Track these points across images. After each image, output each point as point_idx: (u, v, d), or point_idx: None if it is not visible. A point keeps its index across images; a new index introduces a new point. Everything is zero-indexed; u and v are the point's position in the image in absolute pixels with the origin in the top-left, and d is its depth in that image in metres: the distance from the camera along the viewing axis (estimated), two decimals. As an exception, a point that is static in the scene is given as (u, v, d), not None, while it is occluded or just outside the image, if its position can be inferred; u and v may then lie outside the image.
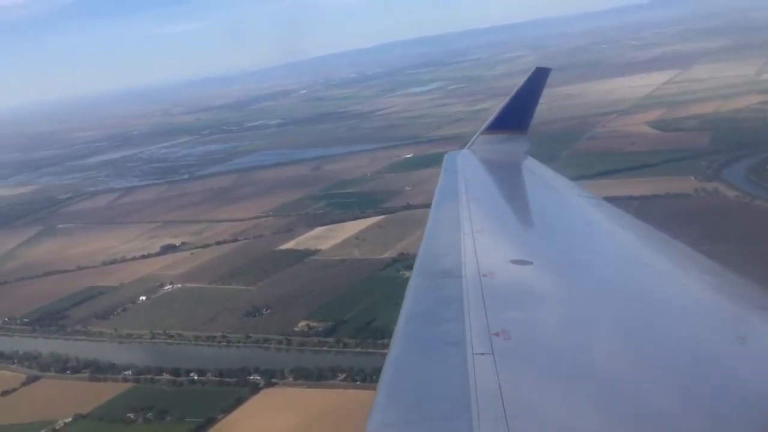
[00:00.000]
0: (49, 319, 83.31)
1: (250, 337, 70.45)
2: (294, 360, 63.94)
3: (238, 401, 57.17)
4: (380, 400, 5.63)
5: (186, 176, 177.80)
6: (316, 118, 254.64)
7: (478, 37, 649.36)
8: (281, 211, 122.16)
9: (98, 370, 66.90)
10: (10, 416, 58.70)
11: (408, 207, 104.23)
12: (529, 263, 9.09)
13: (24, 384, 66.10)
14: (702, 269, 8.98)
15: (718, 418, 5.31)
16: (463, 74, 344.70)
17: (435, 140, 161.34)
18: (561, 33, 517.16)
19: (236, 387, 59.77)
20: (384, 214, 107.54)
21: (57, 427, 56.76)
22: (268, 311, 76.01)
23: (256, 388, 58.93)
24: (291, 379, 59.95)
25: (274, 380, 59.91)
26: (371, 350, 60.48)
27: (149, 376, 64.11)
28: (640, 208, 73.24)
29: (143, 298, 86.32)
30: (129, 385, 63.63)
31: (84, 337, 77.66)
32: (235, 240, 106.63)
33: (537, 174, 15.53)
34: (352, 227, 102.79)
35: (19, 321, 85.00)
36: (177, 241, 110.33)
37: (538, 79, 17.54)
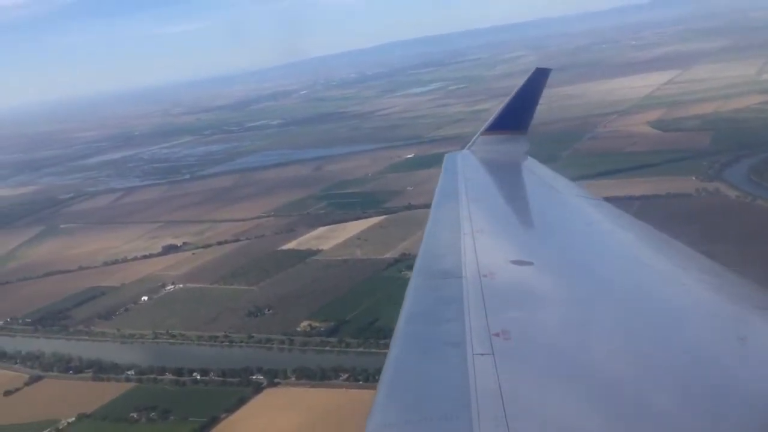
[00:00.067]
0: (51, 319, 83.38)
1: (253, 337, 70.52)
2: (296, 360, 64.02)
3: (241, 401, 57.25)
4: (380, 400, 5.65)
5: (187, 176, 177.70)
6: (317, 119, 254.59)
7: (479, 37, 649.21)
8: (283, 211, 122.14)
9: (101, 370, 66.97)
10: (13, 416, 58.81)
11: (409, 207, 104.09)
12: (529, 263, 9.10)
13: (27, 384, 66.17)
14: (702, 269, 8.99)
15: (718, 418, 5.33)
16: (464, 74, 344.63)
17: (436, 140, 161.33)
18: (561, 33, 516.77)
19: (239, 387, 59.82)
20: (385, 214, 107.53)
21: (60, 427, 56.80)
22: (270, 311, 76.06)
23: (258, 388, 59.01)
24: (294, 378, 60.00)
25: (276, 380, 60.02)
26: (373, 350, 60.33)
27: (152, 376, 64.24)
28: (641, 208, 73.36)
29: (145, 298, 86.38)
30: (132, 384, 63.75)
31: (86, 337, 77.76)
32: (237, 240, 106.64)
33: (537, 174, 15.53)
34: (354, 227, 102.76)
35: (21, 321, 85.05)
36: (179, 242, 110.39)
37: (538, 79, 17.55)
